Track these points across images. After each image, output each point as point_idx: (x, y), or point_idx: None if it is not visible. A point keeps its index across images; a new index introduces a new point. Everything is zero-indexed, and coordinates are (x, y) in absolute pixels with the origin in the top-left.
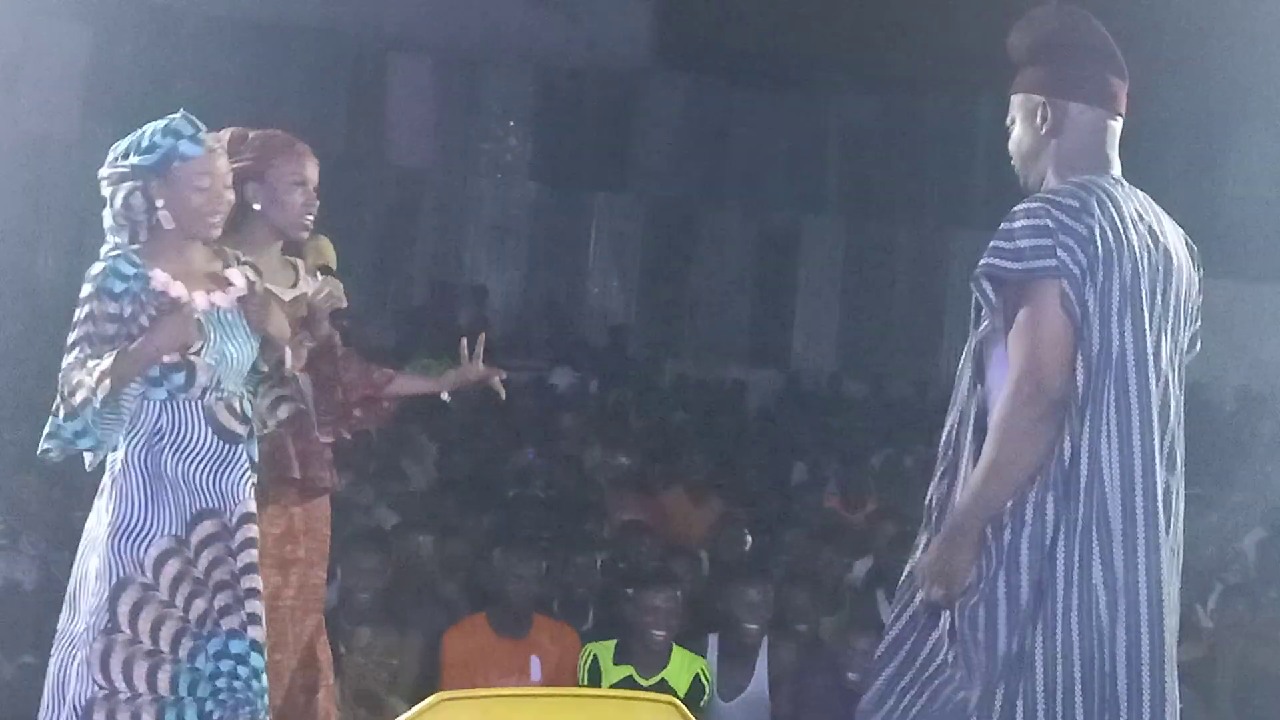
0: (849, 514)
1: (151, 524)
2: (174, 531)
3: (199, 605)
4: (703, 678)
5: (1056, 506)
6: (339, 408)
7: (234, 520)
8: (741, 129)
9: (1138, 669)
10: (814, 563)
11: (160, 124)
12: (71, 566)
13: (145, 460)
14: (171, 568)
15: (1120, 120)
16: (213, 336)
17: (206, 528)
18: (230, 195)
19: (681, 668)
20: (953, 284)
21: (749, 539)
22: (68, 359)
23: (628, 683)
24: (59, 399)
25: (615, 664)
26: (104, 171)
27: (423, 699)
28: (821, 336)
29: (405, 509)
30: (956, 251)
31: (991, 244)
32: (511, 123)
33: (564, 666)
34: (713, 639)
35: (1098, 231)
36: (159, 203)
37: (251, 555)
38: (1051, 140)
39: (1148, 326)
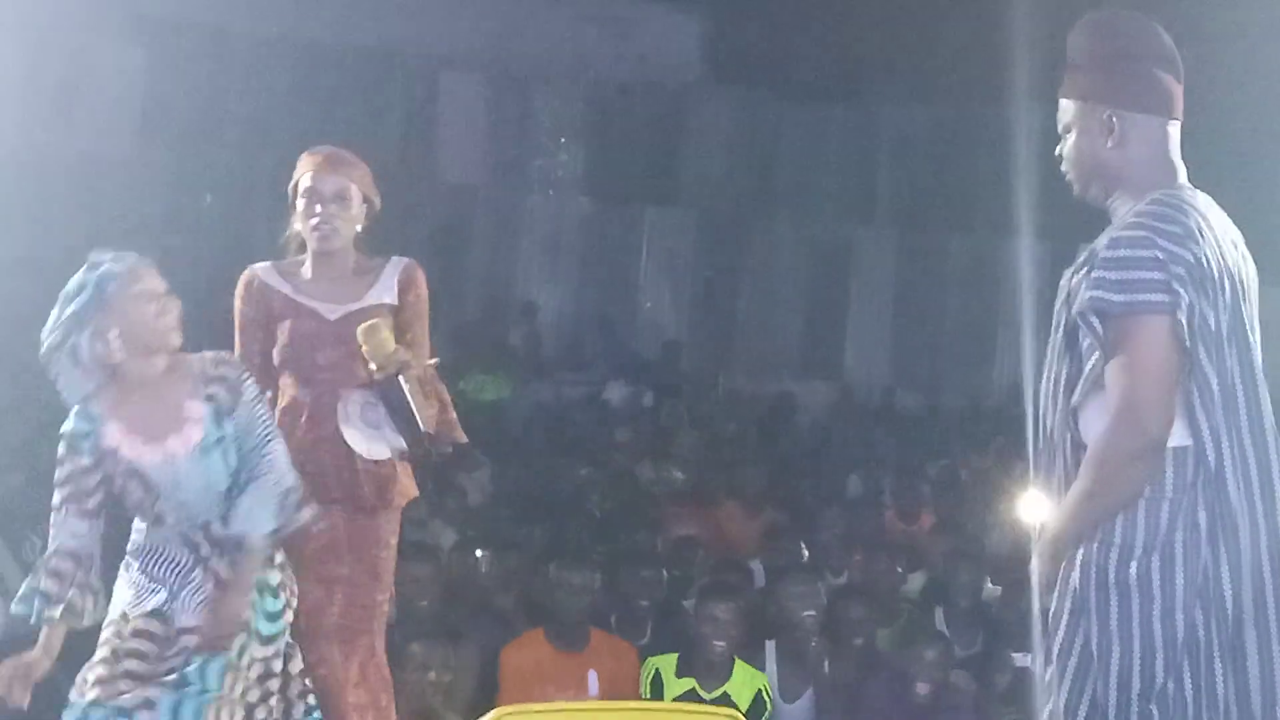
0: (904, 526)
1: (115, 598)
2: (122, 609)
3: (120, 685)
4: (764, 694)
5: (1209, 531)
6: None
7: (175, 627)
8: (791, 142)
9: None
10: (868, 574)
11: (76, 274)
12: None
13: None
14: (104, 634)
15: (1179, 124)
16: (166, 488)
17: (148, 622)
18: (174, 304)
19: (744, 682)
20: (1005, 294)
21: (805, 551)
22: (55, 517)
23: (690, 695)
24: (43, 563)
25: (677, 677)
26: (47, 346)
27: (480, 714)
28: (874, 348)
29: (461, 524)
30: (1009, 261)
31: (1096, 275)
32: (563, 139)
33: (621, 681)
34: (770, 645)
35: (1204, 258)
36: (112, 332)
37: (177, 661)
38: (1118, 152)
39: (1254, 347)
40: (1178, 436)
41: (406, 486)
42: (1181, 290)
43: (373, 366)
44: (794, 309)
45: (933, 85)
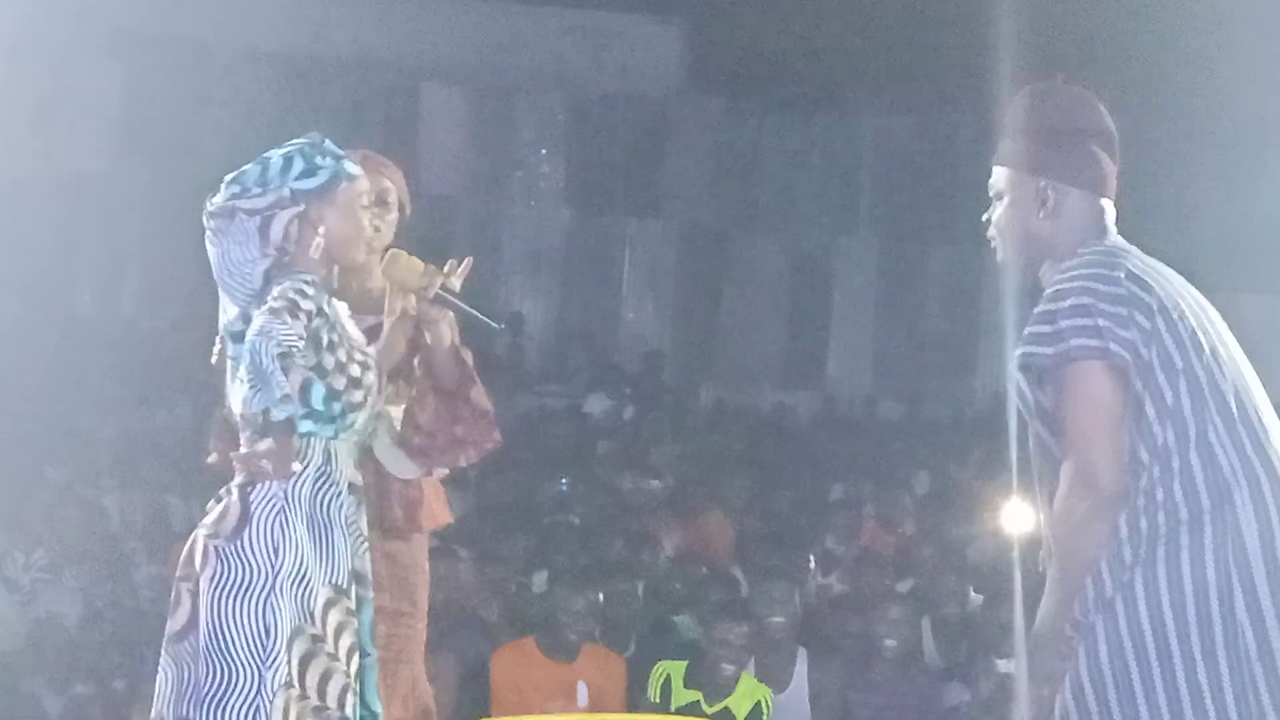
0: (886, 535)
1: (318, 570)
2: (336, 580)
3: (353, 661)
4: (764, 705)
5: (1169, 574)
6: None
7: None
8: (773, 152)
9: None
10: (854, 584)
11: (307, 147)
12: (116, 600)
13: (311, 501)
14: (335, 617)
15: (1111, 201)
16: (377, 375)
17: (353, 586)
18: (366, 223)
19: (744, 694)
20: (987, 304)
21: (812, 563)
22: (281, 345)
23: (694, 707)
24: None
25: (685, 687)
26: (246, 204)
27: None
28: (857, 359)
29: (442, 535)
30: (991, 272)
31: (1029, 330)
32: (544, 150)
33: (609, 691)
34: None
35: (1139, 292)
36: (321, 229)
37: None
38: (1051, 223)
39: (1216, 373)
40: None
41: (437, 511)
42: (1113, 328)
43: (412, 299)
44: (776, 319)
45: (914, 95)
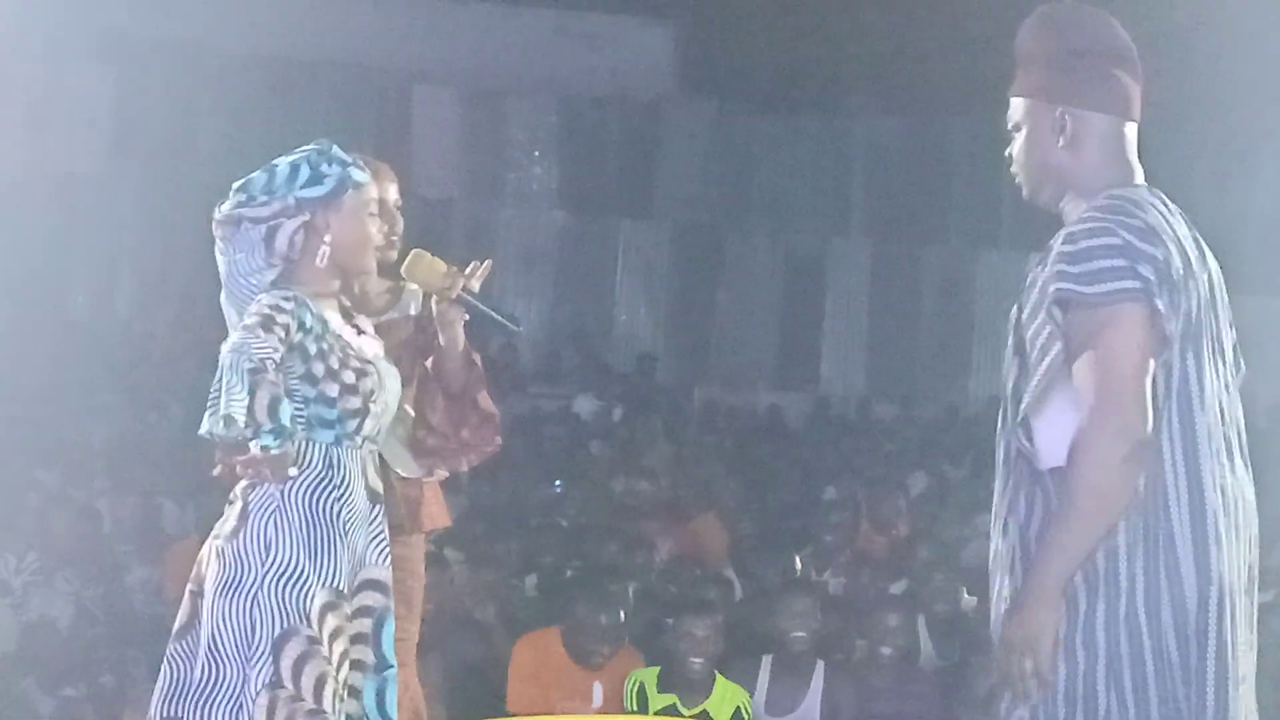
0: (879, 537)
1: (313, 572)
2: (335, 584)
3: (344, 668)
4: (743, 711)
5: (1130, 552)
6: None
7: (356, 582)
8: (766, 154)
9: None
10: (852, 586)
11: (314, 154)
12: (108, 603)
13: (308, 504)
14: (331, 621)
15: (1135, 125)
16: (387, 383)
17: (365, 594)
18: (376, 229)
19: (724, 699)
20: (981, 305)
21: (799, 563)
22: (253, 360)
23: (671, 711)
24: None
25: (659, 692)
26: (251, 212)
27: None
28: (850, 359)
29: (435, 538)
30: (984, 272)
31: (1058, 268)
32: (536, 152)
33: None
34: (766, 659)
35: (1167, 256)
36: (327, 237)
37: (363, 625)
38: (1071, 153)
39: (1207, 353)
40: None
41: (436, 513)
42: (1151, 277)
43: (434, 299)
44: (769, 321)
45: (907, 96)
